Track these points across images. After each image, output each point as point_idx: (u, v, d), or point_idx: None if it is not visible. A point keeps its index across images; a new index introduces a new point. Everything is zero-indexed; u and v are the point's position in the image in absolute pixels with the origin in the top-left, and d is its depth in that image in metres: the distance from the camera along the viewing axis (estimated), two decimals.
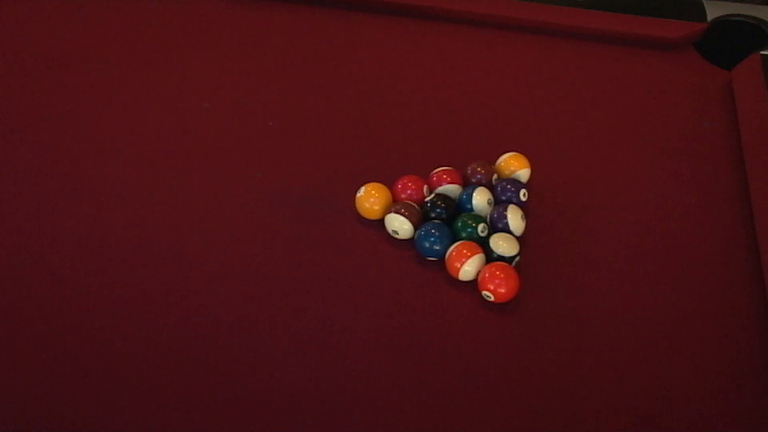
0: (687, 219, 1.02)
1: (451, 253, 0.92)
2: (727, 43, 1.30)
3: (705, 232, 1.00)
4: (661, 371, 0.85)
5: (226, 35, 1.33)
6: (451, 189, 1.02)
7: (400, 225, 0.96)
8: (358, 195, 1.00)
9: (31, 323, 0.88)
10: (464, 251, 0.91)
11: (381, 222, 1.00)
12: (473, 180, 1.04)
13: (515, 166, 1.04)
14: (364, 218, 1.01)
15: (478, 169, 1.04)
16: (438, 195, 0.99)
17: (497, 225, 0.97)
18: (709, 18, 1.31)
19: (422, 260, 0.96)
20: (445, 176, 1.02)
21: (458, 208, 1.00)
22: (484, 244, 0.94)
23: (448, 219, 0.97)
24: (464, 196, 0.99)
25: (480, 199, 0.98)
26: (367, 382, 0.84)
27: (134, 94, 1.21)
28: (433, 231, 0.94)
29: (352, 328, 0.89)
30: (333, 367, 0.85)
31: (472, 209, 0.99)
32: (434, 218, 0.97)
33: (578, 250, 0.98)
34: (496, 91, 1.23)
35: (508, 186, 1.01)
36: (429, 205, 0.98)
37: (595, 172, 1.09)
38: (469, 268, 0.91)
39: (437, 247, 0.94)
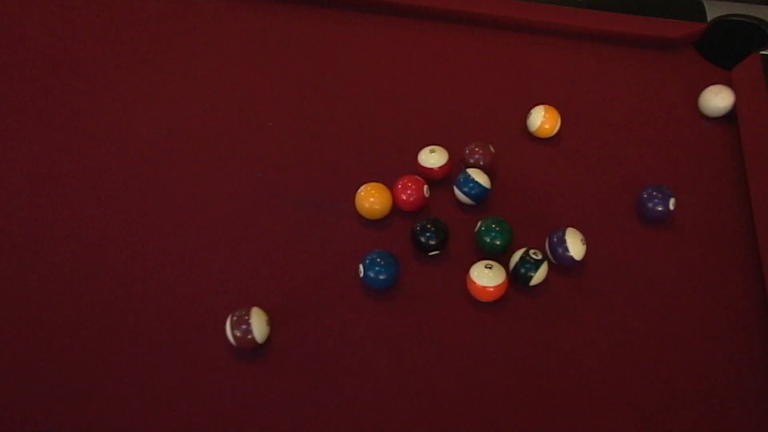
0: (687, 219, 1.02)
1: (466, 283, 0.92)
2: (727, 43, 1.30)
3: (705, 231, 1.00)
4: (661, 372, 0.85)
5: (226, 35, 1.33)
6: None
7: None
8: (358, 195, 1.00)
9: (32, 322, 0.88)
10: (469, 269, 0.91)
11: (381, 222, 1.00)
12: (471, 160, 1.05)
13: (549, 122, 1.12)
14: (364, 218, 1.01)
15: (476, 149, 1.05)
16: (429, 219, 0.96)
17: (557, 250, 0.93)
18: (709, 18, 1.30)
19: (422, 260, 0.96)
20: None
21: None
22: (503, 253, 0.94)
23: (438, 245, 0.95)
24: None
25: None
26: (367, 380, 0.84)
27: (134, 94, 1.21)
28: (378, 260, 0.90)
29: (351, 327, 0.89)
30: (332, 366, 0.85)
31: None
32: (423, 243, 0.94)
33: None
34: (497, 91, 1.23)
35: (655, 194, 0.99)
36: (419, 229, 0.95)
37: (595, 172, 1.09)
38: (476, 272, 0.91)
39: (382, 277, 0.90)
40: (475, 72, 1.27)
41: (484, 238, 0.94)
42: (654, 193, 0.99)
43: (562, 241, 0.92)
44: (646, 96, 1.22)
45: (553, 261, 0.94)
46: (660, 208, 0.98)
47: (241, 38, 1.33)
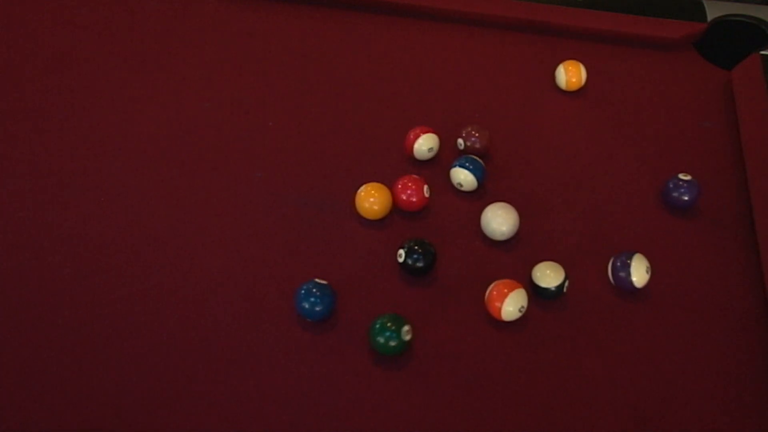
0: (687, 219, 1.02)
1: (491, 293, 0.88)
2: (727, 43, 1.30)
3: (705, 231, 1.00)
4: (661, 372, 0.85)
5: (226, 35, 1.33)
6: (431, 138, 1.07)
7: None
8: (358, 195, 1.00)
9: (32, 322, 0.88)
10: (504, 290, 0.87)
11: (381, 222, 1.00)
12: (468, 143, 1.06)
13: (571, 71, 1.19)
14: (364, 218, 1.01)
15: (473, 132, 1.07)
16: (416, 241, 0.94)
17: (618, 273, 0.91)
18: (709, 18, 1.31)
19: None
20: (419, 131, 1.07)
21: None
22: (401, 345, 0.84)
23: (426, 267, 0.92)
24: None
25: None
26: (367, 381, 0.84)
27: (134, 94, 1.21)
28: (314, 290, 0.87)
29: (351, 328, 0.89)
30: (332, 367, 0.85)
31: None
32: (410, 265, 0.92)
33: (578, 249, 0.98)
34: (497, 91, 1.23)
35: (681, 183, 1.01)
36: (406, 250, 0.92)
37: (595, 172, 1.09)
38: (510, 308, 0.87)
39: (318, 308, 0.87)
40: (476, 72, 1.27)
41: (378, 338, 0.84)
42: (680, 183, 1.01)
43: (626, 266, 0.90)
44: (645, 96, 1.22)
45: (613, 283, 0.93)
46: (686, 198, 1.01)
47: (241, 38, 1.33)
